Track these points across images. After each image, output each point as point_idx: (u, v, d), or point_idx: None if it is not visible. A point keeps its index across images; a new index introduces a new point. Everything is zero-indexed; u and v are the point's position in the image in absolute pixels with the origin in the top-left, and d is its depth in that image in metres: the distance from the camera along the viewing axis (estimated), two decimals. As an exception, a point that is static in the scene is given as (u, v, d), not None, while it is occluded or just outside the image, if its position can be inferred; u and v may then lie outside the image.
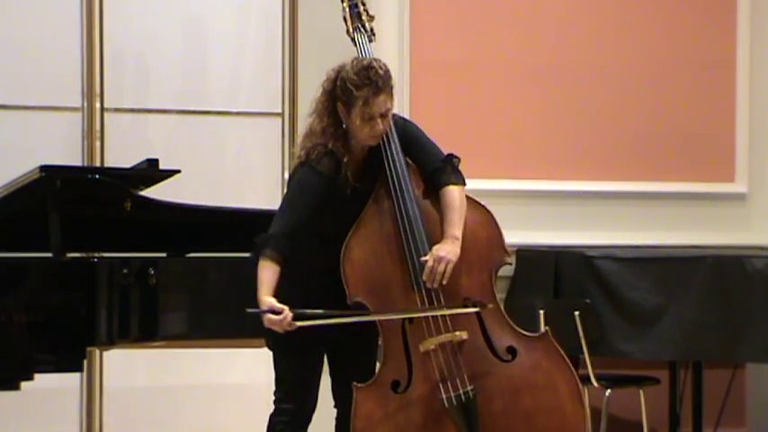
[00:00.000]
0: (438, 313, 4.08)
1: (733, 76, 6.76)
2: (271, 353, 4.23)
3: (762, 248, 6.35)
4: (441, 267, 4.04)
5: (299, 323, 3.93)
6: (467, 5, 6.49)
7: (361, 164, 4.16)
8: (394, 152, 4.18)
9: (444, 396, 4.05)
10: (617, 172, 6.63)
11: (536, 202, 6.49)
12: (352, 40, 4.43)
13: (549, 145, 6.56)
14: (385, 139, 4.15)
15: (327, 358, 4.27)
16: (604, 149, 6.62)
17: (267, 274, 3.98)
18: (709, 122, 6.76)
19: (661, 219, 6.64)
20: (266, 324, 3.94)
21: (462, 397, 4.05)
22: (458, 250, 4.07)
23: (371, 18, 4.48)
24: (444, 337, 4.07)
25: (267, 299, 3.95)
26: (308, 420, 4.21)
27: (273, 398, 4.21)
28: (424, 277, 4.06)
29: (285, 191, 4.22)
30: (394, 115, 4.19)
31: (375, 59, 4.12)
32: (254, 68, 6.24)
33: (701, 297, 5.54)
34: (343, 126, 4.10)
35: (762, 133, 6.77)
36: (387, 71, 4.08)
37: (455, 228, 4.10)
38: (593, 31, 6.61)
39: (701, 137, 6.74)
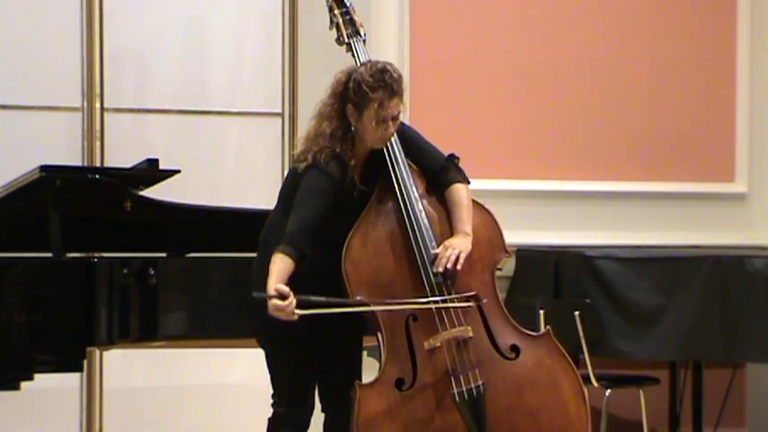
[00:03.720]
0: (442, 306, 4.07)
1: (733, 76, 6.76)
2: (269, 353, 4.23)
3: (762, 248, 6.34)
4: (453, 253, 4.07)
5: (302, 311, 3.84)
6: (467, 5, 6.49)
7: (363, 166, 4.16)
8: (396, 153, 4.20)
9: (456, 391, 4.05)
10: (617, 172, 6.63)
11: (536, 202, 6.49)
12: (348, 45, 4.42)
13: (549, 145, 6.55)
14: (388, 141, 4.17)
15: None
16: (604, 149, 6.62)
17: (278, 265, 3.88)
18: (710, 122, 6.76)
19: (661, 219, 6.64)
20: (271, 309, 3.83)
21: (474, 392, 4.06)
22: (469, 244, 4.12)
23: (361, 24, 4.49)
24: (449, 334, 4.07)
25: (275, 285, 3.85)
26: (307, 424, 4.20)
27: (272, 401, 4.21)
28: (436, 262, 4.08)
29: (284, 191, 4.19)
30: None
31: (389, 63, 4.12)
32: (254, 68, 6.24)
33: (701, 297, 5.53)
34: (352, 129, 4.09)
35: (762, 133, 6.77)
36: (400, 75, 4.08)
37: (465, 224, 4.16)
38: (593, 31, 6.61)
39: (701, 137, 6.74)
